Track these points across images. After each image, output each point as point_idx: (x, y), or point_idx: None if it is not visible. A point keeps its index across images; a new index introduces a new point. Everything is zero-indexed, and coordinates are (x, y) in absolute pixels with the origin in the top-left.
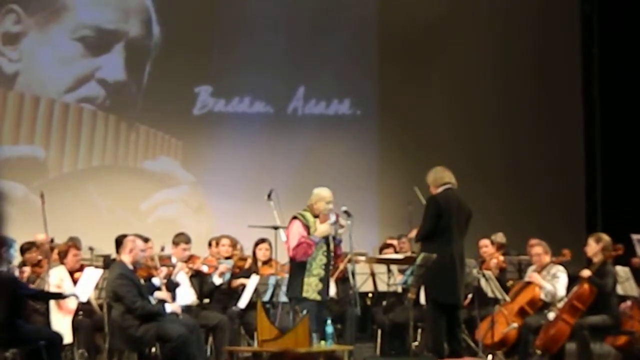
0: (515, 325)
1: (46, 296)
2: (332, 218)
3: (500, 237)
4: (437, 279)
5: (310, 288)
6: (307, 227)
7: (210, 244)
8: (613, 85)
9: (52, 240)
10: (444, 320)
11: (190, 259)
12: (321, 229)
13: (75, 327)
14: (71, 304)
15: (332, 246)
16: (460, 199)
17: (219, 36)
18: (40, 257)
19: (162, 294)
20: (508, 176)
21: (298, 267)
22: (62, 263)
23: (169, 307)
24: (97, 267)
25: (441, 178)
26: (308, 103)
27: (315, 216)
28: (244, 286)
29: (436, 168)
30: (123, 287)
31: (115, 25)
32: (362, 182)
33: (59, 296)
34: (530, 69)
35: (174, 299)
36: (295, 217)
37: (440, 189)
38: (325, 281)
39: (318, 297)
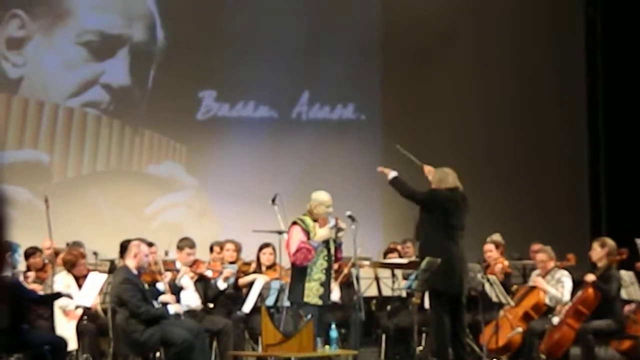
0: (519, 329)
1: (47, 299)
2: (332, 222)
3: (497, 237)
4: (437, 270)
5: (312, 292)
6: (307, 232)
7: (212, 249)
8: (617, 88)
9: (56, 253)
10: (447, 322)
11: (194, 263)
12: (320, 233)
13: (80, 332)
14: (78, 310)
15: (332, 250)
16: (460, 198)
17: (223, 41)
18: (46, 261)
19: (166, 297)
20: (512, 181)
21: (299, 272)
22: (69, 272)
23: (172, 309)
24: (101, 272)
25: (445, 181)
26: (312, 108)
27: (315, 220)
28: (248, 290)
29: (443, 170)
30: (127, 292)
31: (120, 30)
32: (366, 187)
33: (57, 296)
34: (537, 71)
35: (177, 302)
36: (295, 223)
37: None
38: (326, 285)
39: (319, 302)
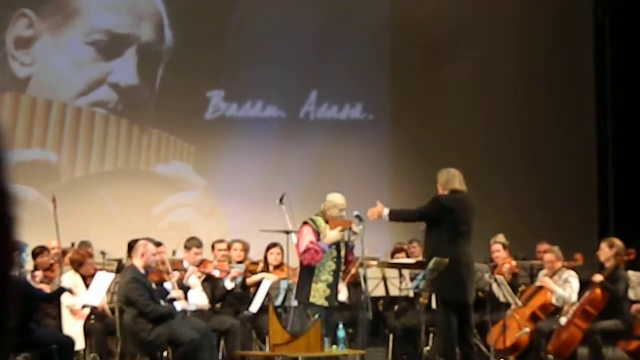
0: (527, 330)
1: (52, 296)
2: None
3: (501, 238)
4: (444, 278)
5: (318, 294)
6: (317, 233)
7: (213, 247)
8: (625, 87)
9: (64, 253)
10: (454, 322)
11: (202, 263)
12: (330, 235)
13: (87, 332)
14: (85, 309)
15: (342, 252)
16: (465, 200)
17: (231, 40)
18: (52, 261)
19: (174, 293)
20: (520, 181)
21: (307, 272)
22: (77, 271)
23: (179, 306)
24: (109, 271)
25: (451, 183)
26: (320, 107)
27: (327, 221)
28: (256, 290)
29: (450, 170)
30: (135, 291)
31: (128, 29)
32: (374, 187)
33: (61, 291)
34: (545, 72)
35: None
36: (306, 223)
37: (446, 192)
38: (333, 287)
39: (325, 303)
